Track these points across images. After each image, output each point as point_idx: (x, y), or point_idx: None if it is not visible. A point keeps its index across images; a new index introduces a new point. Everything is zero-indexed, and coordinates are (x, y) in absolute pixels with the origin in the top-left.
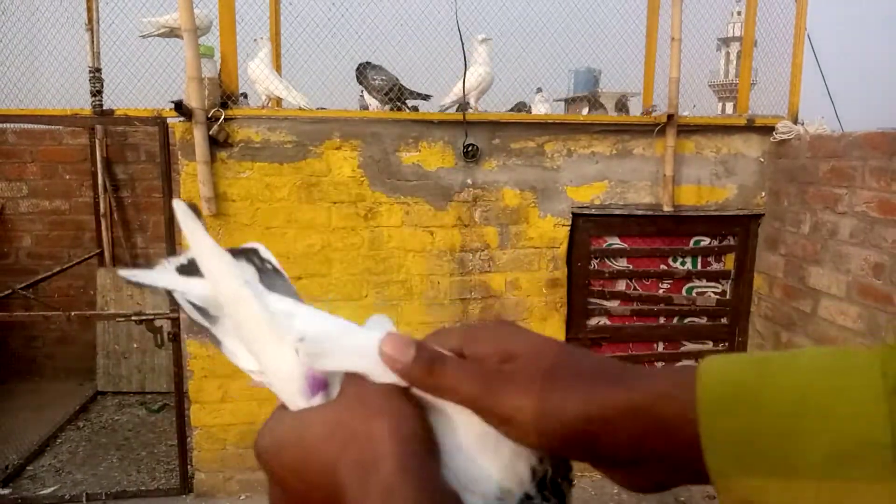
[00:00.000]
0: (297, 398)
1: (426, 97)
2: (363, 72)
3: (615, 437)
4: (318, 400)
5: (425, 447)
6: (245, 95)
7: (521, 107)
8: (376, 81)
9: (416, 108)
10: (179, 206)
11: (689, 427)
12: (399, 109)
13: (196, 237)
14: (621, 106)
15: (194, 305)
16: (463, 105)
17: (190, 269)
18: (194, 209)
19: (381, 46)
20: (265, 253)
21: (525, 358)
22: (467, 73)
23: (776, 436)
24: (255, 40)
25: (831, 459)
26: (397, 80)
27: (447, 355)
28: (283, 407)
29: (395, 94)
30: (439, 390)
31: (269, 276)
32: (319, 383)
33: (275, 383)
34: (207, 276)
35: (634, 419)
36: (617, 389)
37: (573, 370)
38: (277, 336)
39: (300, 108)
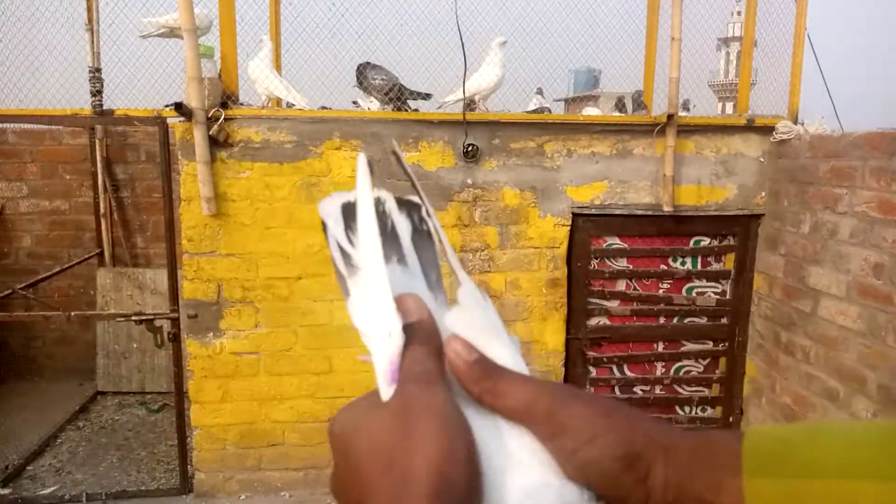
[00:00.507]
0: (381, 380)
1: (427, 96)
2: (363, 72)
3: (670, 467)
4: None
5: (462, 490)
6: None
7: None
8: (376, 81)
9: (416, 110)
10: (361, 159)
11: (735, 477)
12: (400, 109)
13: (363, 191)
14: (638, 104)
15: (341, 249)
16: (464, 105)
17: (351, 212)
18: (370, 166)
19: (381, 46)
20: (424, 212)
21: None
22: (481, 73)
23: (824, 496)
24: (260, 40)
25: None
26: (397, 79)
27: (506, 367)
28: (373, 393)
29: (396, 94)
30: (494, 394)
31: (421, 237)
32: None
33: (373, 359)
34: (360, 228)
35: (687, 451)
36: (671, 428)
37: (624, 408)
38: (386, 314)
39: (300, 108)
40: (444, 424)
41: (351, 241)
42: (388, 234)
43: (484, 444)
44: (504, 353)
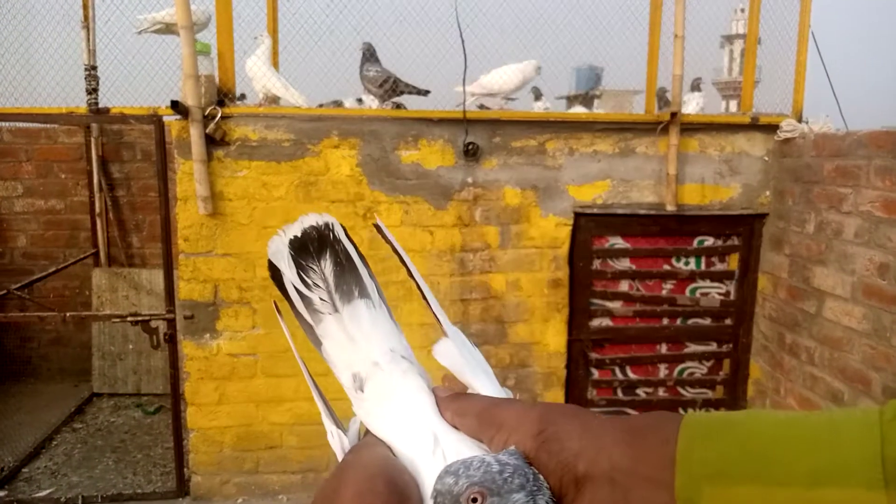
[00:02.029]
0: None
1: (424, 92)
2: (363, 62)
3: (585, 441)
4: None
5: None
6: (244, 96)
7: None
8: (370, 73)
9: (402, 105)
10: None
11: (668, 449)
12: (399, 105)
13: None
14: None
15: (300, 294)
16: (464, 103)
17: (303, 247)
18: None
19: (379, 42)
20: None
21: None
22: (505, 71)
23: (760, 453)
24: (254, 38)
25: (818, 472)
26: (392, 74)
27: (470, 393)
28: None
29: (390, 87)
30: (459, 415)
31: (363, 259)
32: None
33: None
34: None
35: (610, 427)
36: (596, 413)
37: (552, 403)
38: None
39: (297, 106)
40: (363, 469)
41: (307, 283)
42: (346, 265)
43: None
44: (487, 383)
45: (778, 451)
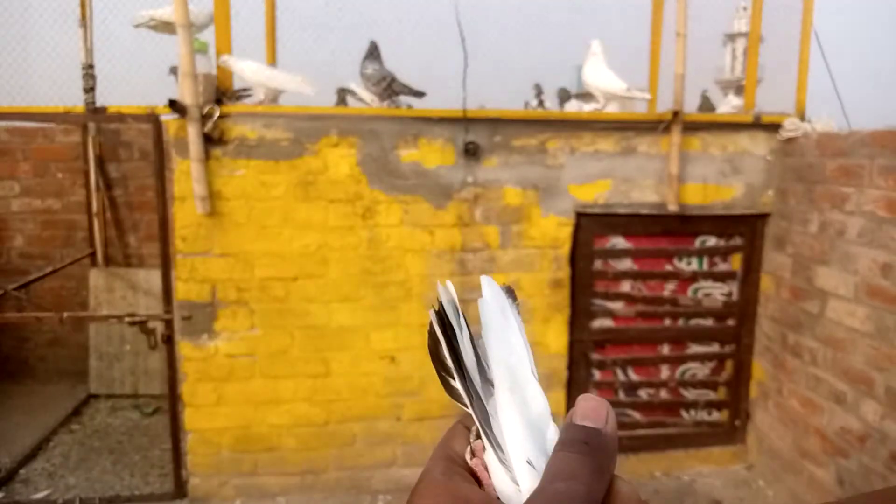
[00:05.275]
0: None
1: (420, 94)
2: (364, 59)
3: None
4: None
5: None
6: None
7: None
8: (368, 71)
9: (410, 106)
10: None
11: None
12: (395, 104)
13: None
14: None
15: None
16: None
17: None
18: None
19: (378, 41)
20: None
21: None
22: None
23: None
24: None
25: None
26: (391, 73)
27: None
28: None
29: (386, 86)
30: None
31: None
32: None
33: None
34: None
35: None
36: None
37: None
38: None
39: (300, 103)
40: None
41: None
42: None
43: None
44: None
45: None
